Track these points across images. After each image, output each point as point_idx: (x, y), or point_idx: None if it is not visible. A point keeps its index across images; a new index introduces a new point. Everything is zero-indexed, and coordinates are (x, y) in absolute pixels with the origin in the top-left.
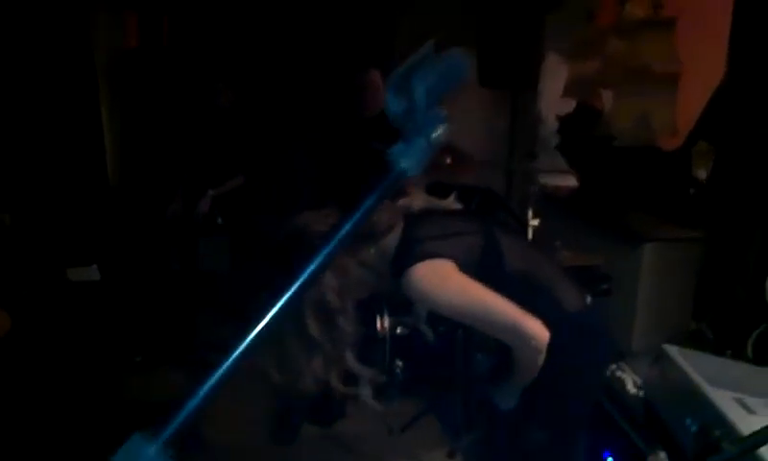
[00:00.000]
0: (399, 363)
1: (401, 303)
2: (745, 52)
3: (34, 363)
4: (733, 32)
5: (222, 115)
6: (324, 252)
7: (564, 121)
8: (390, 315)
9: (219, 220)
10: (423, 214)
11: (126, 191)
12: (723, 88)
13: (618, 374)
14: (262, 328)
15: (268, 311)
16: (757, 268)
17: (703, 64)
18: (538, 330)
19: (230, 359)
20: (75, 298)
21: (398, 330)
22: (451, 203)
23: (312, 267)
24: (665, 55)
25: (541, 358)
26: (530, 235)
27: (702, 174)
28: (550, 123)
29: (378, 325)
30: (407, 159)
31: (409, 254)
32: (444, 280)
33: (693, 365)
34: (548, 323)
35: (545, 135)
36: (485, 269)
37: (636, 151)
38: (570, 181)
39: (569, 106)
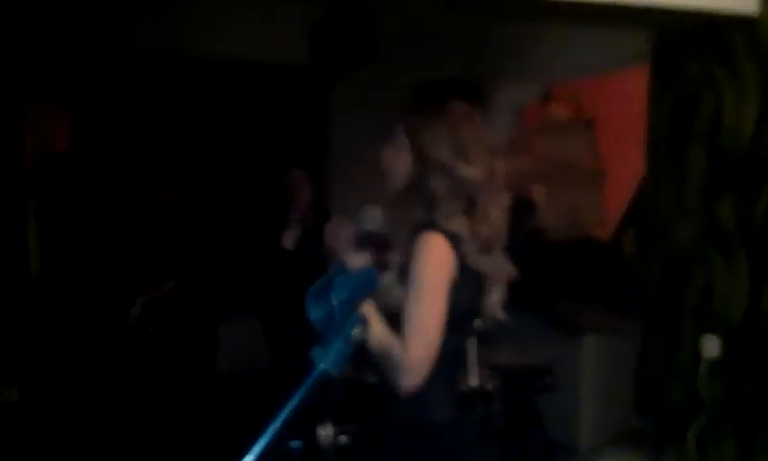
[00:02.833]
0: None
1: (345, 409)
2: (659, 152)
3: None
4: (649, 131)
5: (163, 212)
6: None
7: None
8: (333, 423)
9: (150, 329)
10: None
11: (52, 303)
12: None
13: None
14: None
15: None
16: (689, 359)
17: (624, 161)
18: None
19: None
20: None
21: (343, 440)
22: None
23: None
24: (587, 153)
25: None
26: None
27: (635, 264)
28: None
29: (320, 434)
30: (327, 360)
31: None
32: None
33: None
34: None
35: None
36: None
37: (571, 243)
38: (509, 273)
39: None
